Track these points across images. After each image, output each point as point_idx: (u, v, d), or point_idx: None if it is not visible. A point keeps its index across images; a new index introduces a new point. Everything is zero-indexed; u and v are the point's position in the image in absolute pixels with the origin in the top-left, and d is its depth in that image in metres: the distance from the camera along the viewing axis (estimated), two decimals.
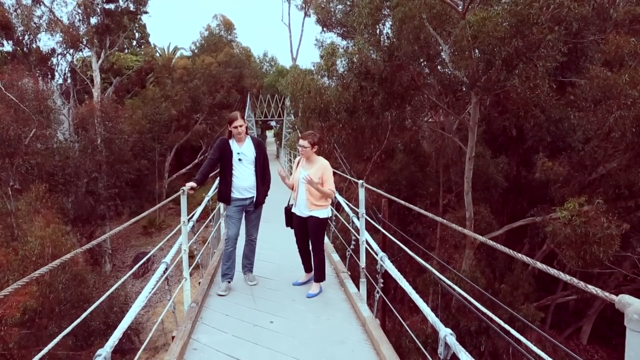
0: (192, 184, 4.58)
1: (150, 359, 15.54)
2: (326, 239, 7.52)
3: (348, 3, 21.26)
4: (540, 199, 14.24)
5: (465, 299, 3.33)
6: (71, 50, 25.54)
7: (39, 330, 10.63)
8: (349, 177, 10.34)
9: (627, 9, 13.27)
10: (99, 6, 24.47)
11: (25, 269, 10.63)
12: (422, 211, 4.02)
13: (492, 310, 2.86)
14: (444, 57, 12.24)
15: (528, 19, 9.57)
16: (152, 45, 36.83)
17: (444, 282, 3.59)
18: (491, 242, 2.60)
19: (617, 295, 1.59)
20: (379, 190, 5.62)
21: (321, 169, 4.74)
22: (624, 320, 1.52)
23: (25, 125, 17.08)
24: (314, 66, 19.11)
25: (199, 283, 5.44)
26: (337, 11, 22.63)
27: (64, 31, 23.68)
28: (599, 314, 16.62)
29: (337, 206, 7.43)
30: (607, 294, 1.65)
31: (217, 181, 5.42)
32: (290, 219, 5.08)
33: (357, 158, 17.90)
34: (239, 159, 4.93)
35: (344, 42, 20.67)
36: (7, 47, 24.60)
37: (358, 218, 5.10)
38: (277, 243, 6.94)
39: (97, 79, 24.79)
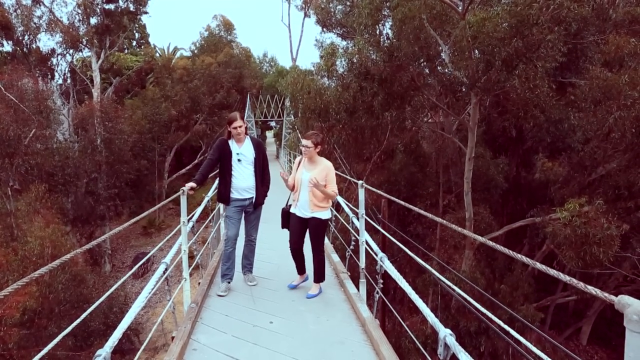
0: (191, 184, 4.58)
1: (149, 359, 15.53)
2: (326, 240, 7.53)
3: (348, 3, 21.28)
4: (540, 200, 14.24)
5: (465, 299, 3.33)
6: (71, 51, 25.54)
7: (39, 331, 10.62)
8: (348, 177, 10.34)
9: (626, 10, 13.29)
10: (99, 6, 24.46)
11: (24, 269, 10.63)
12: (422, 212, 4.02)
13: (491, 311, 2.86)
14: (443, 57, 12.24)
15: (528, 20, 9.57)
16: (152, 46, 36.86)
17: (444, 282, 3.59)
18: (491, 243, 2.61)
19: (616, 296, 1.59)
20: (378, 191, 5.62)
21: (325, 170, 4.69)
22: (623, 320, 1.52)
23: (25, 126, 17.08)
24: (313, 66, 19.15)
25: (199, 283, 5.44)
26: (337, 12, 22.66)
27: (63, 31, 23.68)
28: (599, 315, 16.62)
29: (337, 207, 7.43)
30: (606, 294, 1.65)
31: (216, 181, 5.42)
32: (287, 220, 4.99)
33: (357, 158, 17.89)
34: (238, 160, 4.92)
35: (344, 43, 20.70)
36: (7, 47, 24.63)
37: (358, 218, 5.09)
38: (276, 243, 6.93)
39: (97, 79, 24.78)
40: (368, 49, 13.52)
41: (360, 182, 5.10)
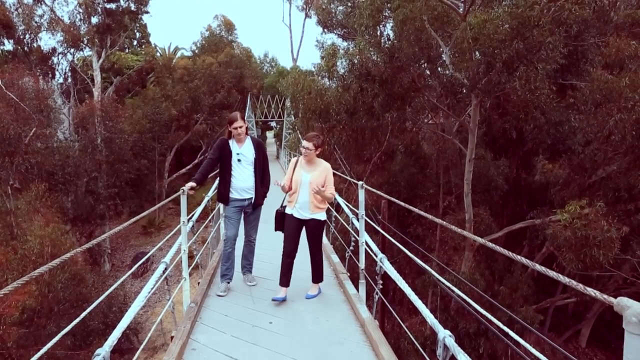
0: (191, 184, 4.58)
1: (148, 359, 15.52)
2: (325, 240, 7.52)
3: (349, 4, 21.31)
4: (540, 202, 14.25)
5: (465, 300, 3.33)
6: (72, 50, 25.57)
7: (38, 330, 10.61)
8: (348, 178, 10.34)
9: (627, 12, 13.32)
10: (100, 6, 24.50)
11: (24, 268, 10.63)
12: (422, 213, 4.02)
13: (491, 313, 2.86)
14: (444, 59, 12.24)
15: (529, 22, 9.57)
16: (153, 45, 36.83)
17: (443, 283, 3.59)
18: (490, 244, 2.61)
19: (616, 298, 1.59)
20: (378, 192, 5.62)
21: (324, 171, 4.64)
22: (622, 323, 1.53)
23: (25, 124, 17.07)
24: (314, 67, 19.14)
25: (198, 283, 5.44)
26: (338, 12, 22.69)
27: (64, 30, 23.71)
28: (598, 317, 16.62)
29: (337, 207, 7.43)
30: (605, 296, 1.65)
31: (217, 181, 5.42)
32: (282, 222, 4.84)
33: (357, 159, 17.90)
34: (238, 160, 4.92)
35: (345, 44, 20.75)
36: (8, 46, 24.72)
37: (358, 219, 5.09)
38: (276, 244, 6.90)
39: (98, 78, 24.80)
40: (369, 50, 13.53)
41: (360, 182, 5.10)
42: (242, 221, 5.16)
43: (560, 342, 16.33)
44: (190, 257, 4.78)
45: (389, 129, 15.59)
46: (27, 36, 24.17)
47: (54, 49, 25.21)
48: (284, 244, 4.81)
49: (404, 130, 17.17)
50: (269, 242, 6.45)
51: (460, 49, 11.24)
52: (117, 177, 22.47)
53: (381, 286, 4.30)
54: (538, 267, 2.16)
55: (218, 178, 5.12)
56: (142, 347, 3.75)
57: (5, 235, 12.78)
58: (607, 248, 10.19)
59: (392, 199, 5.00)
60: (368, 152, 17.01)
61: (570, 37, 11.63)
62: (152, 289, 3.44)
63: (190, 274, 4.78)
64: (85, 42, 24.58)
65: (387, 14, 13.40)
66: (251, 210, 5.10)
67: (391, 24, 13.66)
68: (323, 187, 4.56)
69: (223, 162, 4.94)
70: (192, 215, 5.25)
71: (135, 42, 37.53)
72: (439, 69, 14.37)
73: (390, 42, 13.60)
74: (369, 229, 5.53)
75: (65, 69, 26.47)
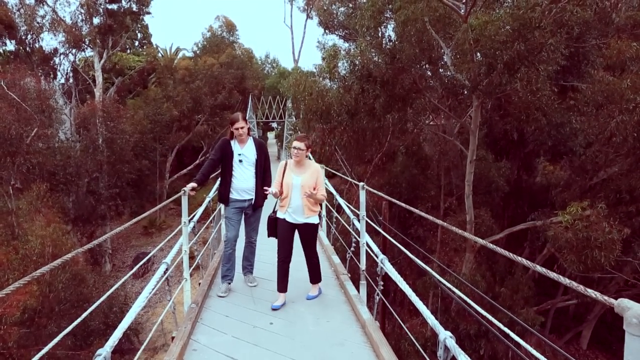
0: (193, 184, 4.59)
1: (149, 359, 15.53)
2: (326, 241, 7.53)
3: (350, 5, 21.33)
4: (541, 203, 14.23)
5: (465, 302, 3.33)
6: (73, 50, 25.60)
7: (39, 330, 10.62)
8: (349, 179, 10.34)
9: (629, 14, 13.31)
10: (102, 6, 24.52)
11: (25, 268, 10.64)
12: (423, 214, 4.02)
13: (491, 314, 2.85)
14: (445, 60, 12.25)
15: (530, 23, 9.56)
16: (155, 46, 36.86)
17: (444, 285, 3.59)
18: (491, 245, 2.61)
19: (616, 299, 1.59)
20: (379, 193, 5.62)
21: (315, 173, 4.58)
22: (623, 324, 1.53)
23: (27, 125, 17.10)
24: (315, 68, 19.22)
25: (199, 284, 5.44)
26: (339, 13, 22.71)
27: (66, 31, 23.74)
28: (599, 319, 16.59)
29: (337, 208, 7.43)
30: (606, 297, 1.65)
31: (218, 182, 5.42)
32: (274, 228, 4.74)
33: (358, 160, 17.91)
34: (240, 160, 4.92)
35: (346, 45, 20.71)
36: (10, 46, 24.74)
37: (359, 220, 5.09)
38: (276, 245, 6.93)
39: (99, 79, 24.81)
40: (370, 51, 13.54)
41: (361, 183, 5.11)
42: (242, 222, 5.16)
43: (561, 344, 16.31)
44: (191, 257, 4.79)
45: (390, 130, 15.60)
46: (29, 37, 24.23)
47: (55, 50, 25.26)
48: (278, 250, 4.73)
49: (405, 131, 17.17)
50: (270, 242, 6.42)
51: (461, 50, 11.25)
52: (118, 178, 22.48)
53: (382, 287, 4.29)
54: (539, 268, 2.16)
55: (219, 178, 5.12)
56: (143, 347, 3.76)
57: (6, 235, 12.79)
58: (608, 250, 10.18)
59: (393, 200, 5.00)
60: (369, 153, 17.02)
61: (572, 39, 11.63)
62: (153, 289, 3.45)
63: (191, 275, 4.78)
64: (87, 42, 24.60)
65: (388, 15, 13.43)
66: (251, 211, 5.09)
67: (392, 25, 13.68)
68: (315, 189, 4.46)
69: (224, 163, 4.93)
70: (193, 216, 5.26)
71: (136, 43, 37.57)
72: (440, 70, 14.38)
73: (391, 44, 13.61)
74: (370, 230, 5.54)
75: (67, 70, 26.53)
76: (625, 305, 1.52)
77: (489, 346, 12.63)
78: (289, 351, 3.72)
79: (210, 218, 7.15)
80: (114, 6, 25.53)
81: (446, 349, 2.46)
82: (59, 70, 26.23)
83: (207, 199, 6.76)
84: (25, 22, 23.33)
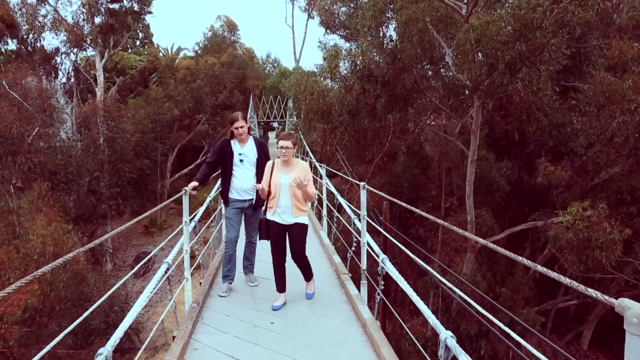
0: (194, 183, 4.60)
1: (149, 359, 15.54)
2: (327, 241, 7.54)
3: (352, 5, 21.29)
4: (542, 204, 14.22)
5: (466, 302, 3.33)
6: (75, 50, 25.63)
7: (39, 329, 10.64)
8: (350, 179, 10.33)
9: (630, 15, 13.30)
10: (104, 6, 24.56)
11: (26, 267, 10.65)
12: (424, 214, 4.02)
13: (492, 314, 2.86)
14: (447, 60, 12.24)
15: (532, 23, 9.55)
16: (156, 45, 36.85)
17: (445, 285, 3.59)
18: (492, 245, 2.61)
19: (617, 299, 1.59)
20: (380, 193, 5.62)
21: (304, 170, 4.46)
22: (623, 324, 1.53)
23: (28, 124, 17.12)
24: (317, 68, 19.17)
25: (200, 283, 5.45)
26: (340, 13, 22.68)
27: (68, 30, 23.76)
28: (600, 320, 16.58)
29: (338, 208, 7.44)
30: (607, 297, 1.66)
31: (219, 181, 5.43)
32: (267, 230, 4.60)
33: (359, 160, 17.92)
34: (241, 160, 4.91)
35: (347, 45, 20.68)
36: (12, 45, 24.78)
37: (359, 220, 5.09)
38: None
39: (101, 78, 24.85)
40: (371, 51, 13.53)
41: (362, 183, 5.11)
42: (243, 223, 5.16)
43: (562, 345, 16.30)
44: (192, 257, 4.79)
45: (391, 130, 15.60)
46: (31, 36, 24.27)
47: (57, 49, 25.29)
48: (272, 252, 4.66)
49: (406, 131, 17.17)
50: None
51: (462, 50, 11.24)
52: (119, 177, 22.50)
53: (383, 287, 4.30)
54: (540, 268, 2.16)
55: (220, 178, 5.12)
56: (144, 346, 3.77)
57: (7, 234, 12.81)
58: (609, 250, 10.17)
59: (394, 199, 5.00)
60: (370, 153, 17.03)
61: (573, 39, 11.61)
62: (154, 288, 3.45)
63: (192, 274, 4.78)
64: (89, 42, 24.64)
65: (389, 15, 13.41)
66: (252, 212, 5.08)
67: (394, 25, 13.68)
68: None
69: (224, 163, 4.93)
70: (194, 216, 5.27)
71: (138, 43, 37.61)
72: (442, 70, 14.36)
73: (392, 44, 13.60)
74: (371, 230, 5.53)
75: (68, 69, 26.55)
76: (625, 305, 1.52)
77: (490, 346, 12.62)
78: (289, 351, 3.73)
79: (211, 218, 7.16)
80: (116, 6, 25.59)
81: (447, 348, 2.46)
82: (61, 70, 26.28)
83: (208, 199, 6.77)
84: (26, 21, 23.37)
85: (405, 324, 4.38)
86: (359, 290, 4.97)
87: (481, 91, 11.34)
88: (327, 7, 23.44)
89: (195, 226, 5.15)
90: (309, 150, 16.36)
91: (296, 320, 4.36)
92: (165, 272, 3.86)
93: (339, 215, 7.32)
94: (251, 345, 3.83)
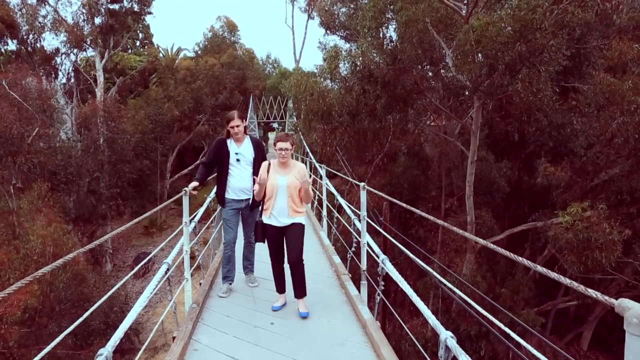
0: (195, 184, 4.60)
1: (149, 359, 15.53)
2: (327, 241, 7.54)
3: (352, 6, 21.31)
4: (542, 204, 14.22)
5: (466, 302, 3.34)
6: (75, 50, 25.66)
7: (39, 329, 10.63)
8: (350, 179, 10.34)
9: (630, 15, 13.30)
10: (104, 6, 24.58)
11: (26, 268, 10.65)
12: (424, 214, 4.02)
13: (492, 315, 2.86)
14: (447, 61, 12.24)
15: (531, 24, 9.55)
16: (156, 46, 36.88)
17: (445, 285, 3.59)
18: (492, 245, 2.61)
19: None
20: (380, 193, 5.62)
21: (302, 171, 4.41)
22: (623, 325, 1.53)
23: (28, 124, 17.11)
24: (317, 69, 19.21)
25: (200, 284, 5.45)
26: (340, 14, 22.71)
27: (68, 31, 23.78)
28: (600, 320, 16.58)
29: (338, 208, 7.44)
30: (606, 297, 1.66)
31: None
32: (263, 233, 4.52)
33: (359, 161, 17.92)
34: (237, 160, 4.89)
35: (347, 45, 20.70)
36: (12, 46, 24.82)
37: (359, 220, 5.09)
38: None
39: (101, 78, 24.86)
40: (371, 52, 13.53)
41: (362, 184, 5.11)
42: (240, 223, 5.15)
43: (562, 345, 16.30)
44: (192, 257, 4.78)
45: (391, 130, 15.60)
46: (31, 36, 24.29)
47: (57, 49, 25.32)
48: (270, 254, 4.62)
49: (406, 132, 17.17)
50: None
51: (462, 51, 11.23)
52: (119, 178, 22.49)
53: (383, 287, 4.29)
54: (539, 268, 2.16)
55: (216, 179, 5.10)
56: (144, 346, 3.76)
57: (7, 235, 12.80)
58: (609, 251, 10.17)
59: (394, 200, 5.00)
60: (370, 153, 17.03)
61: (573, 40, 11.61)
62: (154, 289, 3.45)
63: (192, 275, 4.78)
64: (89, 42, 24.65)
65: (389, 16, 13.42)
66: (248, 212, 5.06)
67: (394, 26, 13.68)
68: (301, 189, 4.38)
69: (220, 162, 4.91)
70: (194, 216, 5.26)
71: (138, 43, 37.61)
72: (442, 71, 14.36)
73: (392, 44, 13.60)
74: (371, 230, 5.53)
75: (68, 69, 26.57)
76: (625, 305, 1.52)
77: (490, 347, 12.62)
78: (289, 351, 3.73)
79: (211, 218, 7.15)
80: (116, 6, 25.62)
81: (447, 349, 2.46)
82: (61, 70, 26.31)
83: (208, 199, 6.77)
84: (27, 21, 23.40)
85: (405, 324, 4.38)
86: (359, 291, 4.97)
87: (481, 92, 11.34)
88: (327, 8, 23.47)
89: (195, 227, 5.14)
90: (308, 150, 16.34)
91: (296, 321, 4.36)
92: (165, 273, 3.85)
93: (339, 216, 7.32)
94: (251, 346, 3.83)
